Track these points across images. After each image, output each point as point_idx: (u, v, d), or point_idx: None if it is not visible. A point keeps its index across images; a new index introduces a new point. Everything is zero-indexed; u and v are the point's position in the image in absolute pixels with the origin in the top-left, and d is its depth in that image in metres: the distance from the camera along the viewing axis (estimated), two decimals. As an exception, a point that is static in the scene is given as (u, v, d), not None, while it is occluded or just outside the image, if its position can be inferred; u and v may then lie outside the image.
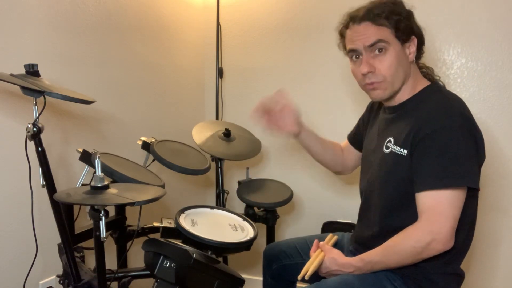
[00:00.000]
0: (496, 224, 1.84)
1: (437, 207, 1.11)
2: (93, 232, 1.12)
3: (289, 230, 2.25)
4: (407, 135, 1.17)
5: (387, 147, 1.25)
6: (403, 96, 1.26)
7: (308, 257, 1.32)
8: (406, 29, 1.20)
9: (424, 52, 1.29)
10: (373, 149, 1.35)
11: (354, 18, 1.22)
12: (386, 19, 1.18)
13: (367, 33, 1.19)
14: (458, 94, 1.25)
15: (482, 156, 1.18)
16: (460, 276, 1.25)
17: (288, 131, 1.48)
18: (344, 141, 1.64)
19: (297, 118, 1.48)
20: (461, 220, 1.13)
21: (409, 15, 1.22)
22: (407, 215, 1.18)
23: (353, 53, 1.25)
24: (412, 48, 1.23)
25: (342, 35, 1.29)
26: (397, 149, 1.20)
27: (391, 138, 1.25)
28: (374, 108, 1.47)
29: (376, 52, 1.20)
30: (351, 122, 1.63)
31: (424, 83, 1.27)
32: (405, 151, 1.18)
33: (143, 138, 1.65)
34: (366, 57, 1.21)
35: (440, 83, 1.30)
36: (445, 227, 1.10)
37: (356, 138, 1.57)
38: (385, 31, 1.19)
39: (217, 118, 2.31)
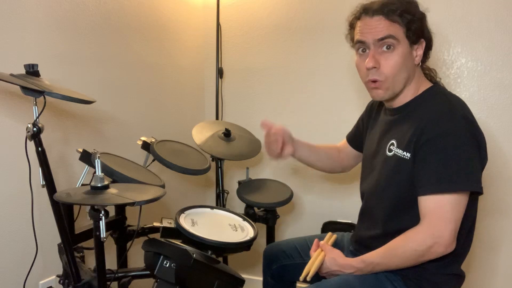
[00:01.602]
0: (497, 225, 1.84)
1: (439, 211, 1.11)
2: (93, 232, 1.12)
3: (289, 230, 2.25)
4: (410, 138, 1.17)
5: (390, 150, 1.24)
6: (405, 97, 1.25)
7: (308, 257, 1.32)
8: (417, 30, 1.19)
9: (429, 57, 1.28)
10: (375, 151, 1.34)
11: (367, 10, 1.21)
12: (399, 16, 1.17)
13: (379, 27, 1.18)
14: (458, 94, 1.25)
15: (484, 159, 1.18)
16: (460, 277, 1.25)
17: (287, 154, 1.46)
18: (342, 141, 1.64)
19: (290, 138, 1.48)
20: (462, 222, 1.13)
21: (422, 17, 1.22)
22: (409, 217, 1.18)
23: (360, 45, 1.24)
24: (419, 51, 1.22)
25: (351, 25, 1.28)
26: (400, 152, 1.20)
27: (393, 141, 1.24)
28: (374, 108, 1.46)
29: (384, 48, 1.19)
30: (351, 122, 1.62)
31: (427, 84, 1.26)
32: (408, 155, 1.17)
33: (143, 138, 1.65)
34: (373, 52, 1.20)
35: (440, 84, 1.29)
36: (447, 230, 1.10)
37: (356, 139, 1.57)
38: (396, 28, 1.18)
39: (217, 118, 2.31)
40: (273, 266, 1.52)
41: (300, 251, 1.48)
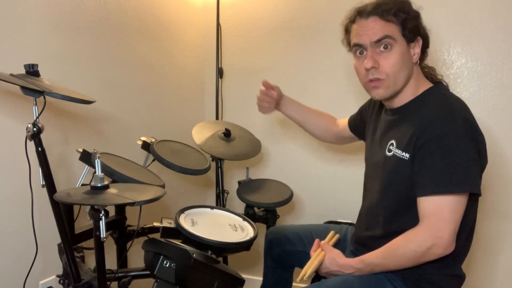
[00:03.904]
0: (496, 226, 1.83)
1: (439, 212, 1.11)
2: (93, 232, 1.12)
3: (289, 230, 2.25)
4: (409, 139, 1.17)
5: (390, 150, 1.24)
6: (405, 97, 1.25)
7: (310, 247, 1.32)
8: (413, 28, 1.20)
9: (427, 55, 1.28)
10: (376, 151, 1.34)
11: (361, 12, 1.21)
12: (394, 15, 1.18)
13: (375, 28, 1.18)
14: (458, 94, 1.24)
15: (484, 161, 1.18)
16: (460, 278, 1.25)
17: (267, 110, 1.66)
18: (344, 119, 1.67)
19: (276, 95, 1.61)
20: (462, 223, 1.13)
21: (416, 15, 1.22)
22: (410, 217, 1.18)
23: (357, 48, 1.24)
24: (416, 49, 1.23)
25: (347, 30, 1.28)
26: (399, 152, 1.20)
27: (393, 141, 1.24)
28: (376, 105, 1.45)
29: (382, 48, 1.19)
30: (351, 122, 1.63)
31: (427, 85, 1.26)
32: (407, 155, 1.17)
33: (143, 138, 1.65)
34: (371, 53, 1.20)
35: (444, 83, 1.29)
36: (446, 231, 1.10)
37: (356, 125, 1.59)
38: (392, 28, 1.18)
39: (217, 118, 2.31)
40: (274, 249, 1.53)
41: (303, 240, 1.49)
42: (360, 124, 1.55)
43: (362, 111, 1.56)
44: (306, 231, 1.52)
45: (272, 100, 1.62)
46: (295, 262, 1.51)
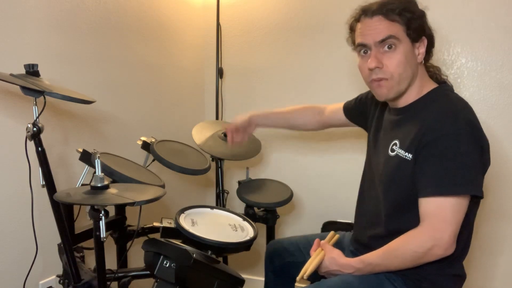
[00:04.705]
0: (496, 226, 1.83)
1: (440, 214, 1.10)
2: (93, 232, 1.12)
3: (289, 230, 2.25)
4: (412, 139, 1.17)
5: (392, 150, 1.24)
6: (409, 98, 1.25)
7: (310, 256, 1.32)
8: (418, 28, 1.19)
9: (433, 55, 1.27)
10: (378, 150, 1.33)
11: (366, 11, 1.21)
12: (398, 15, 1.17)
13: (379, 27, 1.18)
14: (458, 94, 1.24)
15: (487, 163, 1.18)
16: (461, 277, 1.25)
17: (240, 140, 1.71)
18: (335, 105, 1.63)
19: (246, 125, 1.67)
20: (463, 224, 1.13)
21: (422, 15, 1.21)
22: (411, 217, 1.17)
23: (361, 48, 1.23)
24: (421, 49, 1.22)
25: (352, 28, 1.28)
26: (402, 152, 1.20)
27: (396, 141, 1.24)
28: (379, 104, 1.42)
29: (386, 48, 1.18)
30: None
31: (431, 85, 1.25)
32: (410, 156, 1.17)
33: (143, 138, 1.65)
34: (375, 52, 1.19)
35: (448, 83, 1.28)
36: (447, 233, 1.10)
37: (353, 113, 1.55)
38: (396, 27, 1.17)
39: (217, 118, 2.31)
40: (275, 263, 1.52)
41: (302, 249, 1.48)
42: (359, 116, 1.53)
43: (361, 101, 1.53)
44: (303, 240, 1.51)
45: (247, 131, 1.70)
46: (295, 273, 1.50)
